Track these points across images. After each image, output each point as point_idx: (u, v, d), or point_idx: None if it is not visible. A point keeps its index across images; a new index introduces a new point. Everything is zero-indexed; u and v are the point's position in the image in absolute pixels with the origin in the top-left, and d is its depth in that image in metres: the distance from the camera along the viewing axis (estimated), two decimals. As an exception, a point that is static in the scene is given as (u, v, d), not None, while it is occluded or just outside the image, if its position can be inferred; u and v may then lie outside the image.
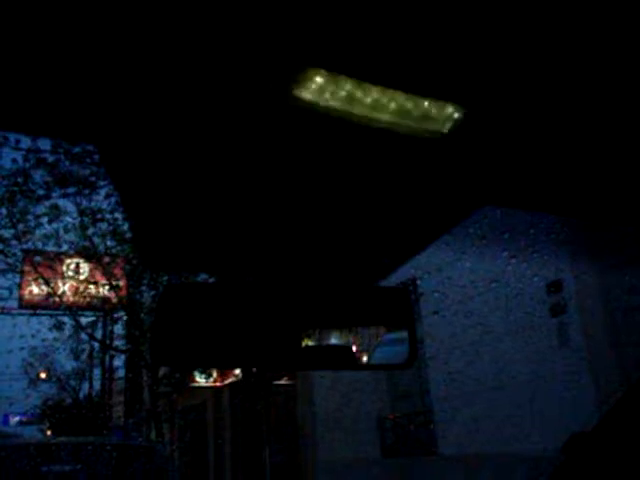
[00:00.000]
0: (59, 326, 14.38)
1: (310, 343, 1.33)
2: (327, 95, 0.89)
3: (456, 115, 0.94)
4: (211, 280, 1.56)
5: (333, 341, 1.38)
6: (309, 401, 10.49)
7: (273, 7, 0.75)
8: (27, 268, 13.56)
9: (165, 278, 9.80)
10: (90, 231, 12.05)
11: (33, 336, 15.83)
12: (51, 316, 14.61)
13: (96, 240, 12.13)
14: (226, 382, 14.69)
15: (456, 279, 6.82)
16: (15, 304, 15.23)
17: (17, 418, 27.70)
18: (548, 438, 4.36)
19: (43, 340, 15.88)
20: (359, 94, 0.89)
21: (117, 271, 12.83)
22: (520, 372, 6.34)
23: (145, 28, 0.77)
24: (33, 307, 15.26)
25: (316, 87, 0.87)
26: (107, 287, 13.31)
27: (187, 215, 1.19)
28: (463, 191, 1.15)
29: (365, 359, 1.42)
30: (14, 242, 12.01)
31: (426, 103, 0.92)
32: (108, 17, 0.75)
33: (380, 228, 1.28)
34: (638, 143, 1.04)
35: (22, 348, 17.47)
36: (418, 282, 7.45)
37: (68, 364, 18.78)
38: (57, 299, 13.75)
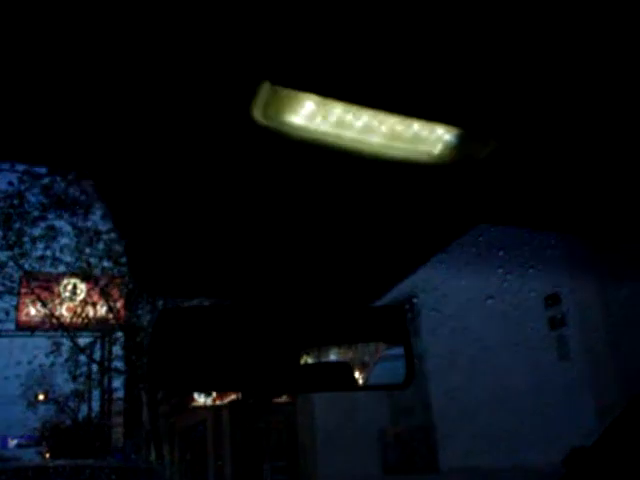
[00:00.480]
0: (57, 348, 14.29)
1: (309, 360, 1.33)
2: (319, 119, 0.89)
3: (447, 136, 0.94)
4: (206, 303, 1.56)
5: (332, 357, 1.39)
6: (309, 418, 10.41)
7: (259, 31, 0.75)
8: (24, 290, 13.50)
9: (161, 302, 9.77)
10: (87, 251, 12.02)
11: (30, 362, 15.71)
12: (49, 337, 14.52)
13: (93, 261, 12.10)
14: (226, 401, 14.58)
15: (453, 296, 6.82)
16: (12, 326, 15.16)
17: (16, 441, 27.44)
18: (549, 452, 4.33)
19: (41, 365, 15.78)
20: (349, 117, 0.90)
21: (114, 291, 12.77)
22: (520, 386, 6.31)
23: (129, 57, 0.77)
24: (30, 329, 15.17)
25: (307, 112, 0.87)
26: (105, 308, 13.24)
27: (182, 238, 1.19)
28: (456, 210, 1.16)
29: (364, 375, 1.42)
30: (10, 264, 11.98)
31: (417, 125, 0.92)
32: (94, 51, 0.75)
33: (374, 248, 1.28)
34: (631, 160, 1.04)
35: (18, 375, 17.35)
36: (415, 300, 7.44)
37: (66, 386, 18.63)
38: (54, 320, 13.68)
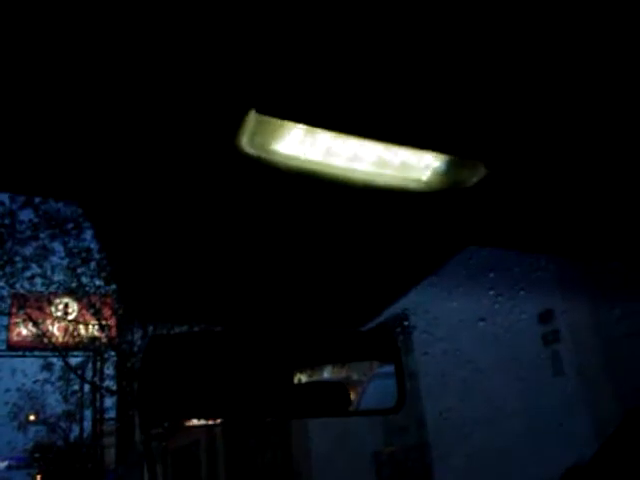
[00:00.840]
0: (48, 368, 14.17)
1: (302, 384, 1.32)
2: (306, 148, 0.89)
3: (435, 163, 0.94)
4: (197, 328, 1.55)
5: (325, 376, 1.37)
6: (304, 437, 10.34)
7: (245, 59, 0.75)
8: (15, 310, 13.40)
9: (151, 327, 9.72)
10: (79, 270, 11.96)
11: (19, 390, 15.60)
12: (40, 357, 14.41)
13: (84, 280, 12.04)
14: (219, 420, 14.46)
15: (445, 318, 6.83)
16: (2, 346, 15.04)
17: (6, 462, 27.06)
18: (545, 470, 4.30)
19: (34, 382, 15.64)
20: (337, 146, 0.89)
21: (106, 310, 12.69)
22: (516, 404, 6.29)
23: (116, 85, 0.77)
24: (22, 349, 15.05)
25: (294, 140, 0.88)
26: (96, 327, 13.15)
27: (171, 265, 1.19)
28: (445, 234, 1.16)
29: (358, 393, 1.41)
30: (1, 284, 11.90)
31: (405, 152, 0.92)
32: (79, 81, 0.75)
33: (365, 272, 1.28)
34: (619, 180, 1.04)
35: (8, 391, 17.18)
36: (405, 323, 7.45)
37: (58, 406, 18.45)
38: (46, 340, 13.57)
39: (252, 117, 0.80)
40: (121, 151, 0.87)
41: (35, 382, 15.50)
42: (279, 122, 0.83)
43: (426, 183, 0.97)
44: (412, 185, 0.97)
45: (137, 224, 1.04)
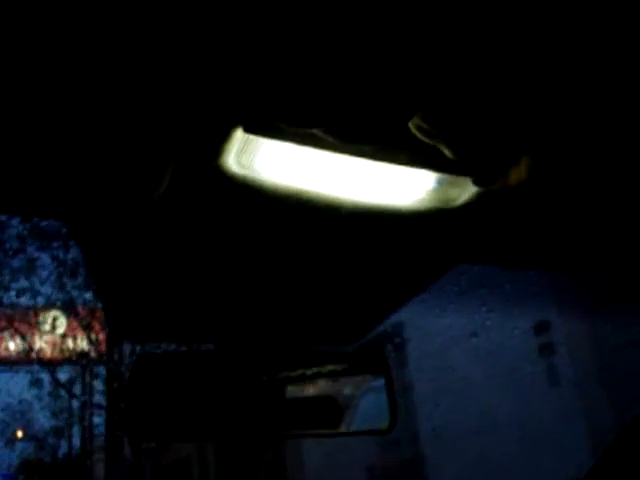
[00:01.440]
0: (36, 383, 14.05)
1: (292, 397, 1.31)
2: (294, 167, 0.90)
3: (425, 181, 0.97)
4: (184, 348, 1.52)
5: (316, 391, 1.36)
6: (297, 452, 10.30)
7: (232, 78, 0.74)
8: (2, 324, 13.31)
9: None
10: (68, 284, 11.91)
11: (7, 407, 15.48)
12: (27, 372, 14.29)
13: (74, 293, 11.98)
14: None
15: (438, 333, 6.86)
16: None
17: (-7, 480, 26.83)
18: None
19: (20, 402, 15.49)
20: (326, 165, 0.90)
21: (95, 324, 12.62)
22: (511, 416, 6.26)
23: (99, 106, 0.76)
24: (9, 363, 14.91)
25: (282, 159, 0.86)
26: (86, 341, 13.07)
27: (157, 284, 1.18)
28: (436, 252, 1.18)
29: (351, 407, 1.40)
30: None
31: (395, 170, 0.93)
32: (64, 101, 0.73)
33: (355, 290, 1.28)
34: (607, 196, 1.04)
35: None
36: (397, 340, 7.46)
37: (46, 422, 18.27)
38: (34, 354, 13.46)
39: (239, 136, 0.79)
40: (105, 170, 0.85)
41: (20, 402, 15.40)
42: (266, 141, 0.82)
43: (415, 201, 0.97)
44: (401, 203, 0.97)
45: (122, 243, 1.03)
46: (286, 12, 0.66)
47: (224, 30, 0.67)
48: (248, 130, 0.79)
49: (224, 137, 0.79)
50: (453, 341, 6.65)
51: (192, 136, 0.79)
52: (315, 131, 0.78)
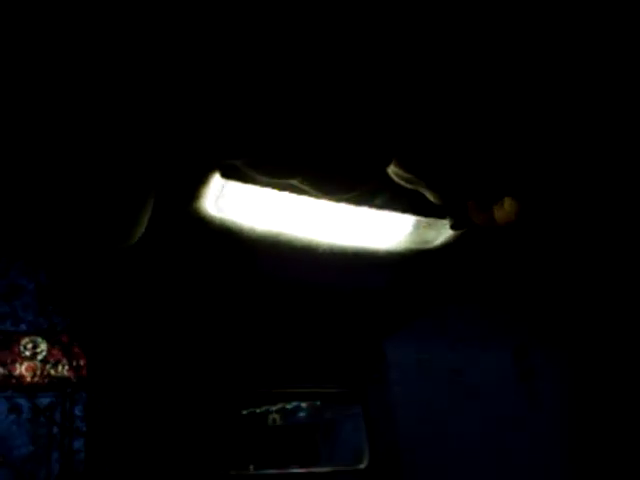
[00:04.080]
0: (15, 409, 13.73)
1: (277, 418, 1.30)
2: (271, 212, 0.89)
3: (403, 225, 0.95)
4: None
5: (301, 415, 1.37)
6: None
7: (210, 124, 0.75)
8: (-19, 349, 13.02)
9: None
10: (49, 309, 11.72)
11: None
12: (4, 399, 13.96)
13: (55, 319, 11.78)
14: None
15: (416, 370, 6.84)
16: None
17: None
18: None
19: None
20: (304, 210, 0.90)
21: (77, 349, 12.41)
22: (490, 442, 6.26)
23: (77, 146, 0.76)
24: (-12, 390, 14.56)
25: (259, 204, 0.87)
26: (66, 367, 12.84)
27: (135, 329, 1.17)
28: (415, 292, 1.18)
29: (333, 431, 1.41)
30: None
31: (372, 215, 0.93)
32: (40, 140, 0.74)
33: (333, 332, 1.29)
34: (591, 243, 1.06)
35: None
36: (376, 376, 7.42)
37: (25, 448, 17.83)
38: (13, 380, 13.18)
39: (216, 180, 0.81)
40: (81, 216, 0.86)
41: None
42: (243, 186, 0.84)
43: (393, 243, 0.98)
44: (380, 246, 0.99)
45: (100, 288, 1.04)
46: (264, 64, 0.68)
47: (203, 76, 0.68)
48: (225, 176, 0.80)
49: (202, 181, 0.80)
50: (431, 378, 6.65)
51: (170, 180, 0.80)
52: (292, 181, 0.81)
